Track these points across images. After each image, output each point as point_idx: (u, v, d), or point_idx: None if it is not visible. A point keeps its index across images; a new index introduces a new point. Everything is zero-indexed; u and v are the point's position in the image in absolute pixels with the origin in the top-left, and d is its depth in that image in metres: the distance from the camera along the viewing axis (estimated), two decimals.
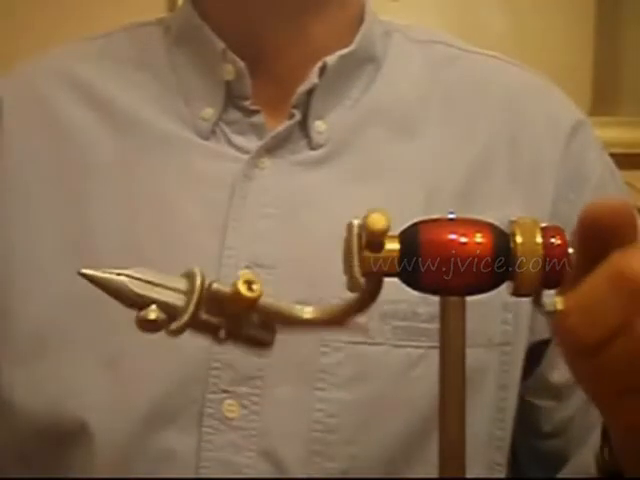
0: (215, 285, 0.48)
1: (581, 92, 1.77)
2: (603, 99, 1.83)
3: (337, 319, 0.49)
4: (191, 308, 0.47)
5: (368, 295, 0.47)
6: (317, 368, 0.72)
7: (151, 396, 0.72)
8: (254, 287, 0.47)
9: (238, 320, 0.49)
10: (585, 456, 0.77)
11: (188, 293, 0.48)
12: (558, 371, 0.78)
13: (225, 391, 0.72)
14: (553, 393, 0.79)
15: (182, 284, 0.48)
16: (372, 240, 0.46)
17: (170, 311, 0.48)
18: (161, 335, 0.72)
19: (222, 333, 0.49)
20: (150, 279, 0.48)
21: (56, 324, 0.74)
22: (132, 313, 0.73)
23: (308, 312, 0.49)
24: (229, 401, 0.72)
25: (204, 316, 0.48)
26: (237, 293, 0.47)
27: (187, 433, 0.72)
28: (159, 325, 0.48)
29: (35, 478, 0.75)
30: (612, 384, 0.49)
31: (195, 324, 0.48)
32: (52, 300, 0.75)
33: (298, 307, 0.49)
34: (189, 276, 0.48)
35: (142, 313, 0.47)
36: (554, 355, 0.78)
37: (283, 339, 0.72)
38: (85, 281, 0.73)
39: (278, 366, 0.72)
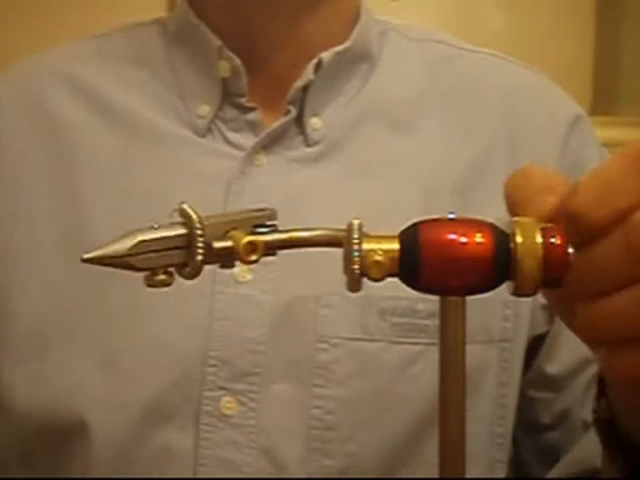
0: (215, 244, 0.47)
1: (581, 92, 1.77)
2: (603, 99, 1.83)
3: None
4: (198, 260, 0.47)
5: None
6: (314, 365, 0.73)
7: (148, 394, 0.72)
8: (253, 256, 0.47)
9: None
10: (583, 448, 0.77)
11: (191, 242, 0.47)
12: (555, 362, 0.79)
13: (222, 388, 0.72)
14: (550, 384, 0.79)
15: (180, 231, 0.47)
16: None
17: (179, 266, 0.47)
18: (156, 333, 0.72)
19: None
20: (150, 249, 0.47)
21: (54, 323, 0.74)
22: (127, 312, 0.73)
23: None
24: (226, 398, 0.72)
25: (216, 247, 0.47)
26: (236, 253, 0.47)
27: (185, 431, 0.72)
28: (170, 280, 0.47)
29: (35, 478, 0.75)
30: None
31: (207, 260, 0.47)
32: (50, 299, 0.75)
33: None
34: (184, 215, 0.47)
35: (149, 279, 0.47)
36: (551, 346, 0.79)
37: (280, 336, 0.72)
38: (82, 280, 0.74)
39: (275, 363, 0.72)
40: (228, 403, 0.72)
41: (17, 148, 0.80)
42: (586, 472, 0.77)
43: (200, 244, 0.47)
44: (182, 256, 0.47)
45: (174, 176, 0.78)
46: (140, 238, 0.47)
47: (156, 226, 0.47)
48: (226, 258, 0.48)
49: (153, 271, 0.47)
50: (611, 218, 0.44)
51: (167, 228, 0.48)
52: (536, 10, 1.81)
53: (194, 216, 0.47)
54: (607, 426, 0.55)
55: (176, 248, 0.47)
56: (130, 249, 0.46)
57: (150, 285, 0.47)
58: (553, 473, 0.80)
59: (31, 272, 0.76)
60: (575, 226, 0.45)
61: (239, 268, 0.74)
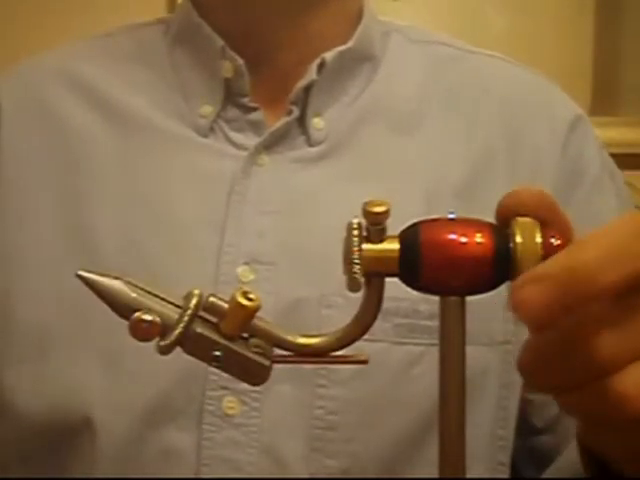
0: (212, 299, 0.48)
1: (581, 92, 1.77)
2: (603, 99, 1.83)
3: (336, 346, 0.49)
4: (183, 323, 0.47)
5: (370, 301, 0.47)
6: (317, 365, 0.73)
7: (152, 393, 0.72)
8: (252, 296, 0.47)
9: (233, 343, 0.48)
10: (573, 451, 0.77)
11: (183, 309, 0.47)
12: None
13: (225, 388, 0.72)
14: None
15: (179, 301, 0.48)
16: (373, 225, 0.46)
17: (163, 322, 0.47)
18: None
19: (216, 354, 0.48)
20: (148, 288, 0.48)
21: (57, 323, 0.74)
22: None
23: (303, 339, 0.49)
24: (229, 398, 0.72)
25: (198, 330, 0.47)
26: (236, 304, 0.47)
27: (187, 430, 0.72)
28: (153, 329, 0.47)
29: (35, 478, 0.75)
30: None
31: (187, 343, 0.47)
32: (53, 299, 0.75)
33: (293, 335, 0.49)
34: (187, 295, 0.48)
35: (137, 314, 0.47)
36: None
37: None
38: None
39: None
40: (230, 403, 0.72)
41: (20, 148, 0.80)
42: (578, 473, 0.77)
43: (183, 324, 0.47)
44: (171, 310, 0.47)
45: (176, 176, 0.78)
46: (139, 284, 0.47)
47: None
48: (201, 345, 0.48)
49: (139, 314, 0.47)
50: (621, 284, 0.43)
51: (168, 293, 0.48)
52: (536, 11, 1.81)
53: (195, 300, 0.47)
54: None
55: (169, 302, 0.47)
56: (124, 281, 0.47)
57: (133, 326, 0.47)
58: (546, 475, 0.80)
59: (34, 273, 0.76)
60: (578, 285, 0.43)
61: (242, 268, 0.74)
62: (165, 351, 0.47)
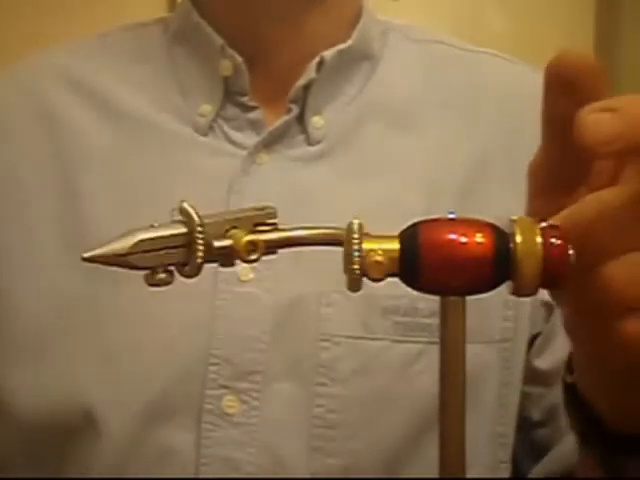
0: (216, 244, 0.47)
1: None
2: None
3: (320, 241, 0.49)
4: (199, 254, 0.47)
5: None
6: (317, 363, 0.73)
7: (150, 392, 0.72)
8: (253, 256, 0.47)
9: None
10: (567, 444, 0.77)
11: (194, 239, 0.47)
12: (545, 357, 0.79)
13: (224, 386, 0.72)
14: (541, 379, 0.79)
15: (181, 230, 0.48)
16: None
17: (180, 263, 0.47)
18: (158, 332, 0.72)
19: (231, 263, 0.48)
20: (151, 247, 0.47)
21: (56, 322, 0.74)
22: (129, 310, 0.74)
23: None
24: (229, 397, 0.72)
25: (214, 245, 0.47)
26: (239, 256, 0.47)
27: (186, 429, 0.72)
28: (169, 281, 0.47)
29: (35, 478, 0.75)
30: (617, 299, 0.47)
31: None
32: (52, 298, 0.75)
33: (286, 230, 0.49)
34: (184, 214, 0.48)
35: (150, 281, 0.47)
36: (544, 342, 0.79)
37: (282, 334, 0.73)
38: (84, 279, 0.74)
39: (278, 361, 0.73)
40: (230, 402, 0.72)
41: (17, 148, 0.80)
42: (569, 467, 0.77)
43: (200, 243, 0.47)
44: (182, 255, 0.47)
45: (176, 175, 0.78)
46: (140, 237, 0.47)
47: (156, 225, 0.47)
48: (226, 257, 0.48)
49: (153, 270, 0.47)
50: None
51: (167, 227, 0.48)
52: (536, 10, 1.82)
53: (194, 215, 0.47)
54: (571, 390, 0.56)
55: (176, 247, 0.47)
56: (130, 248, 0.46)
57: (151, 284, 0.47)
58: (538, 469, 0.80)
59: (33, 272, 0.76)
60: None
61: (241, 267, 0.74)
62: (191, 276, 0.47)
